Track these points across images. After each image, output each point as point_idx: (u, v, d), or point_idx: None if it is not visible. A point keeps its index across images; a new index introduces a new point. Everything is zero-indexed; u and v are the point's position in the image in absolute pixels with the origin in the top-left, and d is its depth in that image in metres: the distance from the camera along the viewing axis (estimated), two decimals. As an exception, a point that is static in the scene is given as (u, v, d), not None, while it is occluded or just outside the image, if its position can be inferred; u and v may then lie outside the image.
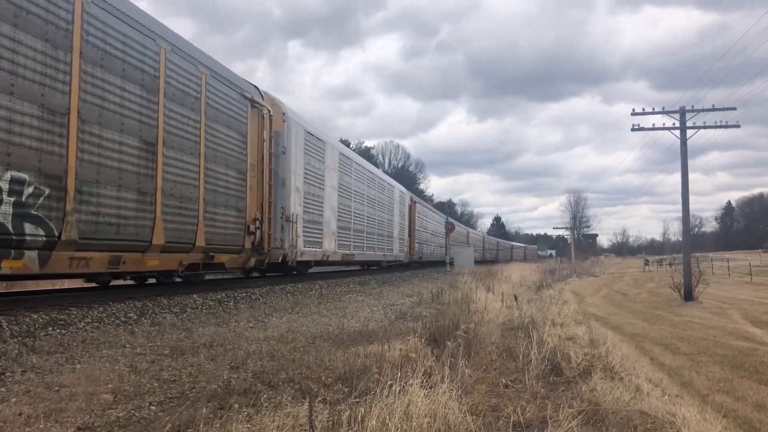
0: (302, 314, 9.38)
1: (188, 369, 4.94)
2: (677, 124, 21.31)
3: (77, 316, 7.16)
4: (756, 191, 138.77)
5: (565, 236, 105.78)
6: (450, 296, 12.85)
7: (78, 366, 4.93)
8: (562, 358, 6.28)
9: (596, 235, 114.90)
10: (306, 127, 15.16)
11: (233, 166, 11.29)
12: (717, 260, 44.36)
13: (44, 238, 6.78)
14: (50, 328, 6.46)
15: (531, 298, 15.29)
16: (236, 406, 3.79)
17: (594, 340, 8.04)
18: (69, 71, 7.11)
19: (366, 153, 71.20)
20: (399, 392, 3.87)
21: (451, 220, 43.18)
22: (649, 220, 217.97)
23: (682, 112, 21.20)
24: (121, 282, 10.83)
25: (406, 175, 76.60)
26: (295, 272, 16.07)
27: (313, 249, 15.61)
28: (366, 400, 3.86)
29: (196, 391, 4.27)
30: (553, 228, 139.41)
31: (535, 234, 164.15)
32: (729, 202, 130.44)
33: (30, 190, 6.57)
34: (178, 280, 11.15)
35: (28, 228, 6.55)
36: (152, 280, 11.21)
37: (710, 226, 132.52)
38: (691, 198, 34.67)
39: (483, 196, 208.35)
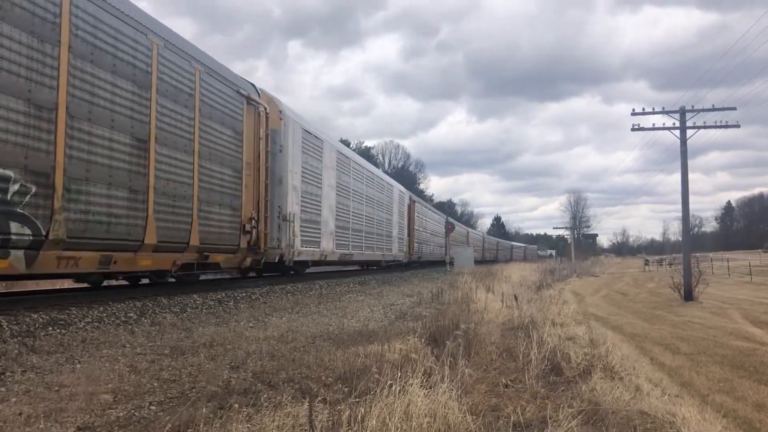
0: (302, 314, 9.38)
1: (188, 369, 4.94)
2: (677, 124, 21.32)
3: (77, 316, 7.16)
4: (756, 191, 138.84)
5: (565, 236, 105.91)
6: (450, 296, 12.85)
7: (78, 366, 4.93)
8: (562, 358, 6.28)
9: (596, 235, 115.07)
10: (303, 125, 15.04)
11: (228, 164, 11.14)
12: (717, 260, 44.36)
13: (31, 237, 6.60)
14: (50, 328, 6.46)
15: (531, 298, 15.30)
16: (236, 405, 3.79)
17: (594, 340, 8.04)
18: (57, 66, 6.92)
19: (366, 153, 71.21)
20: (399, 392, 3.87)
21: (450, 219, 43.17)
22: (649, 220, 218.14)
23: (682, 112, 21.21)
24: (114, 282, 10.73)
25: (406, 175, 76.60)
26: (292, 272, 15.94)
27: (311, 249, 15.48)
28: (366, 399, 3.86)
29: (196, 390, 4.27)
30: (553, 228, 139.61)
31: (535, 234, 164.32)
32: (729, 202, 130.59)
33: (15, 187, 6.41)
34: (171, 280, 11.01)
35: (14, 227, 6.40)
36: (147, 281, 11.08)
37: (710, 226, 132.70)
38: (691, 198, 34.69)
39: (483, 196, 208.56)
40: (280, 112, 13.50)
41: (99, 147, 7.65)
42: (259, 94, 12.77)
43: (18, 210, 6.46)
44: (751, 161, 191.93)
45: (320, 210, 16.27)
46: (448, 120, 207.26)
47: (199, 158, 10.05)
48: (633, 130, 22.29)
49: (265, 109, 12.72)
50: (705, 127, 21.35)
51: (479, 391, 4.79)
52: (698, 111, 21.17)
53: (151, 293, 9.65)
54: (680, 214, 23.15)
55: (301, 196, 14.63)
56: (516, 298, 12.13)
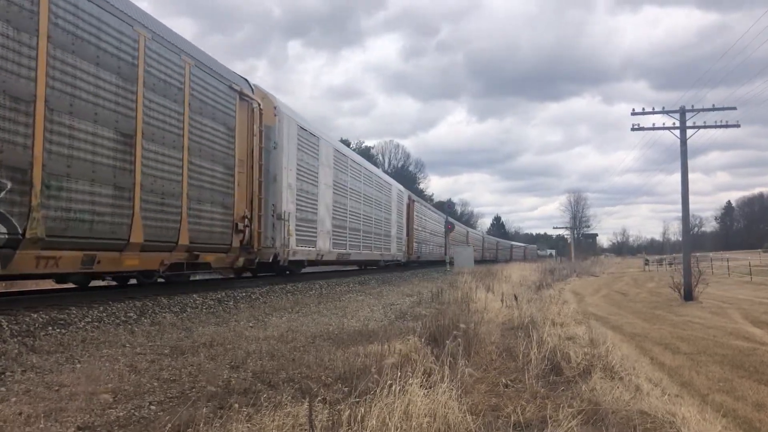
0: (302, 314, 9.38)
1: (188, 368, 4.94)
2: (677, 124, 21.33)
3: (77, 316, 7.16)
4: (756, 191, 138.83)
5: (565, 236, 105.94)
6: (450, 296, 12.85)
7: (78, 365, 4.93)
8: (562, 357, 6.28)
9: (596, 234, 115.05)
10: (299, 122, 14.75)
11: (220, 160, 10.83)
12: (717, 260, 44.37)
13: (6, 236, 6.29)
14: (50, 328, 6.46)
15: (531, 297, 15.29)
16: (236, 405, 3.79)
17: (594, 339, 8.04)
18: (35, 56, 6.59)
19: (366, 153, 71.20)
20: (399, 392, 3.87)
21: (450, 219, 43.18)
22: (649, 220, 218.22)
23: (682, 112, 21.21)
24: (101, 283, 10.43)
25: (406, 175, 76.60)
26: (287, 272, 15.68)
27: (307, 248, 15.23)
28: (366, 399, 3.86)
29: (196, 390, 4.27)
30: (553, 228, 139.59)
31: (534, 234, 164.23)
32: (729, 202, 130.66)
33: None
34: (160, 280, 10.71)
35: None
36: (135, 282, 10.75)
37: (710, 226, 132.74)
38: (691, 198, 34.69)
39: (483, 195, 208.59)
40: (275, 108, 13.20)
41: (81, 142, 7.33)
42: (252, 90, 12.50)
43: None
44: (751, 161, 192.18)
45: (316, 208, 16.02)
46: (448, 120, 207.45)
47: (189, 154, 9.75)
48: (633, 129, 22.31)
49: (259, 104, 12.43)
50: (705, 127, 21.36)
51: (479, 391, 4.79)
52: (698, 111, 21.18)
53: (151, 293, 9.65)
54: (680, 214, 23.18)
55: (297, 195, 14.37)
56: (516, 298, 12.13)
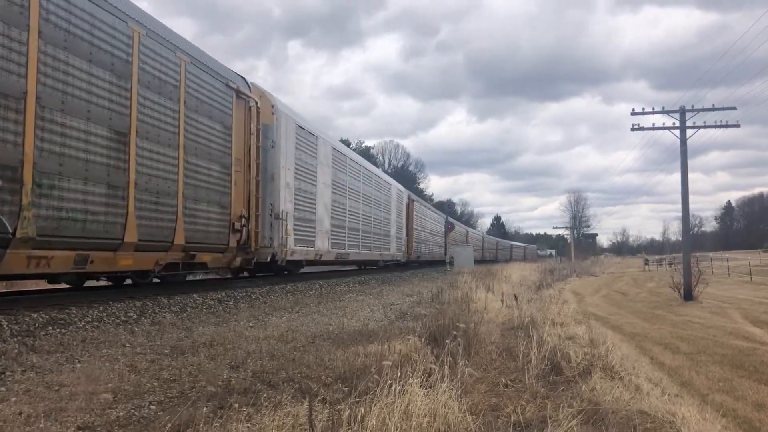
0: (302, 313, 9.39)
1: (188, 368, 4.94)
2: (677, 124, 21.33)
3: (77, 316, 7.16)
4: (756, 191, 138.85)
5: (565, 236, 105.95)
6: (450, 296, 12.85)
7: (78, 365, 4.93)
8: (562, 357, 6.28)
9: (596, 234, 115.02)
10: (297, 121, 14.62)
11: (216, 159, 10.68)
12: (717, 260, 44.36)
13: None
14: (50, 328, 6.46)
15: (531, 297, 15.29)
16: (236, 405, 3.79)
17: (594, 339, 8.04)
18: (25, 52, 6.46)
19: (366, 152, 71.19)
20: (399, 392, 3.87)
21: (450, 219, 43.19)
22: (649, 220, 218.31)
23: (682, 112, 21.21)
24: (95, 283, 10.31)
25: (406, 175, 76.60)
26: (285, 272, 15.47)
27: (305, 248, 15.06)
28: (366, 399, 3.86)
29: (196, 390, 4.27)
30: (553, 228, 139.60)
31: (534, 234, 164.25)
32: (729, 202, 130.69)
33: None
34: (156, 281, 10.58)
35: None
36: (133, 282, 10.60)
37: (710, 226, 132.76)
38: (691, 198, 34.70)
39: (483, 195, 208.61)
40: (272, 106, 13.09)
41: (74, 139, 7.20)
42: (249, 88, 12.38)
43: None
44: (751, 161, 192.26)
45: (315, 208, 15.91)
46: (448, 120, 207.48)
47: (185, 153, 9.61)
48: (633, 129, 22.31)
49: (257, 103, 12.30)
50: (705, 127, 21.36)
51: (479, 391, 4.79)
52: (698, 111, 21.18)
53: (151, 293, 9.64)
54: (680, 214, 23.18)
55: (295, 194, 14.25)
56: (516, 298, 12.13)
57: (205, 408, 3.75)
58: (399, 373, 4.16)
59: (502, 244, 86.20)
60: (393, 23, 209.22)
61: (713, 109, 21.00)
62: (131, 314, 7.81)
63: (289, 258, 13.89)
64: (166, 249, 9.24)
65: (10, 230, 6.36)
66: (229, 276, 14.42)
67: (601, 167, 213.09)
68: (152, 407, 3.85)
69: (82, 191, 7.37)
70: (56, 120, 6.96)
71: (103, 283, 10.51)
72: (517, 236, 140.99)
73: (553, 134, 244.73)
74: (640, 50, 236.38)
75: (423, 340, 6.38)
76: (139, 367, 4.90)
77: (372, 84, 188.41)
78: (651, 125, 22.04)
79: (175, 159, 9.36)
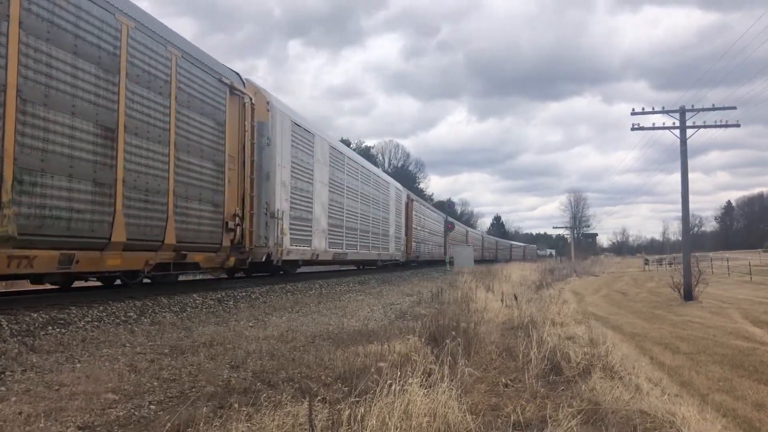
0: (302, 313, 9.39)
1: (188, 368, 4.94)
2: (677, 124, 21.32)
3: (77, 315, 7.16)
4: (756, 191, 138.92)
5: (565, 236, 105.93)
6: (450, 296, 12.86)
7: (78, 365, 4.93)
8: (562, 357, 6.28)
9: (596, 234, 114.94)
10: (293, 118, 14.40)
11: (209, 156, 10.40)
12: (717, 260, 44.36)
13: None
14: (50, 327, 6.46)
15: (531, 297, 15.29)
16: (236, 405, 3.79)
17: (594, 339, 8.04)
18: (5, 43, 6.21)
19: (366, 152, 71.20)
20: (398, 391, 3.87)
21: (450, 219, 43.18)
22: (649, 220, 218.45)
23: (682, 112, 21.20)
24: (83, 284, 10.05)
25: (406, 175, 76.59)
26: (281, 272, 15.26)
27: (302, 247, 14.82)
28: (366, 399, 3.86)
29: (196, 390, 4.27)
30: (553, 227, 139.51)
31: (534, 233, 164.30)
32: (729, 202, 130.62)
33: None
34: (146, 281, 10.37)
35: None
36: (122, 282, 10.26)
37: (710, 226, 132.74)
38: (691, 197, 34.73)
39: (483, 195, 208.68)
40: (268, 103, 12.84)
41: (58, 135, 6.94)
42: (244, 84, 12.12)
43: None
44: (751, 161, 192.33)
45: (311, 207, 15.70)
46: (448, 120, 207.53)
47: (176, 150, 9.35)
48: (633, 129, 22.30)
49: (251, 99, 12.02)
50: (705, 127, 21.35)
51: (479, 391, 4.79)
52: (698, 110, 21.18)
53: (151, 293, 9.65)
54: (680, 214, 23.19)
55: (291, 192, 14.00)
56: (516, 298, 12.13)
57: (205, 408, 3.75)
58: (399, 373, 4.17)
59: (502, 243, 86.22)
60: (393, 23, 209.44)
61: (713, 108, 21.00)
62: (131, 314, 7.81)
63: (285, 258, 13.71)
64: (156, 249, 9.01)
65: None
66: (223, 276, 14.14)
67: (601, 167, 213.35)
68: (152, 407, 3.85)
69: (67, 188, 7.12)
70: (39, 114, 6.70)
71: (92, 283, 10.27)
72: (517, 236, 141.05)
73: (553, 134, 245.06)
74: (640, 50, 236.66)
75: (423, 339, 6.38)
76: (139, 367, 4.90)
77: (372, 84, 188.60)
78: (651, 125, 22.04)
79: (165, 156, 9.13)
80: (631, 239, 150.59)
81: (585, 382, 5.35)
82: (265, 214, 12.76)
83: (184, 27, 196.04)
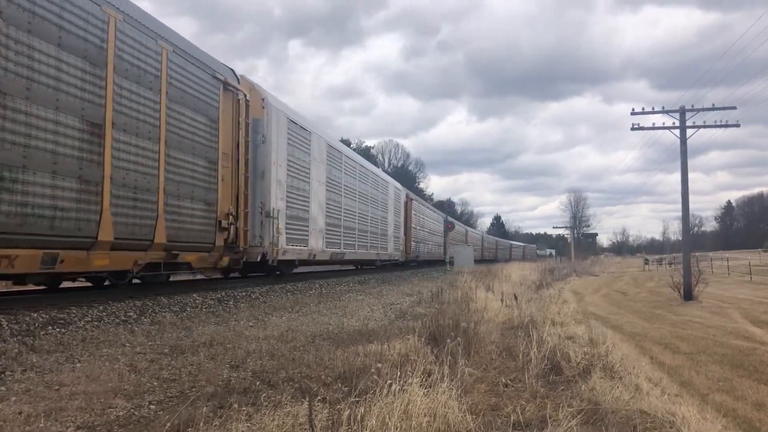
0: (302, 313, 9.39)
1: (188, 368, 4.94)
2: (677, 124, 21.31)
3: (77, 315, 7.16)
4: (756, 191, 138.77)
5: (565, 236, 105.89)
6: (450, 295, 12.85)
7: (78, 365, 4.93)
8: (562, 357, 6.28)
9: (596, 234, 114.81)
10: (289, 115, 14.15)
11: (201, 154, 10.13)
12: (717, 260, 44.36)
13: None
14: (50, 327, 6.46)
15: (531, 297, 15.29)
16: (236, 405, 3.79)
17: (594, 339, 8.04)
18: None
19: (366, 152, 71.19)
20: (398, 391, 3.87)
21: (449, 218, 43.17)
22: (649, 220, 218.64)
23: (682, 112, 21.20)
24: (71, 284, 9.79)
25: (406, 175, 76.60)
26: (277, 272, 14.94)
27: (298, 247, 14.55)
28: (366, 399, 3.86)
29: (195, 390, 4.27)
30: (553, 227, 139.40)
31: (534, 233, 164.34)
32: (729, 202, 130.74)
33: None
34: (136, 281, 10.11)
35: None
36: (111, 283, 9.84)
37: (710, 226, 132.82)
38: (691, 197, 34.75)
39: (483, 195, 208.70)
40: (263, 100, 12.64)
41: (40, 130, 6.68)
42: (238, 80, 11.86)
43: None
44: (751, 161, 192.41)
45: (308, 206, 15.43)
46: (448, 119, 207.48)
47: (167, 147, 9.11)
48: (633, 129, 22.28)
49: (246, 96, 11.78)
50: (705, 127, 21.35)
51: (479, 391, 4.79)
52: (698, 110, 21.17)
53: (151, 293, 9.64)
54: (680, 214, 23.18)
55: (287, 191, 13.74)
56: (516, 298, 12.13)
57: (204, 407, 3.75)
58: (399, 373, 4.17)
59: (502, 243, 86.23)
60: (393, 23, 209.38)
61: (713, 108, 20.99)
62: (131, 314, 7.81)
63: (280, 258, 13.48)
64: (145, 248, 8.77)
65: None
66: (218, 276, 13.78)
67: (601, 167, 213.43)
68: (152, 407, 3.85)
69: (51, 185, 6.86)
70: (19, 108, 6.44)
71: (79, 284, 9.99)
72: (516, 236, 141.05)
73: (553, 134, 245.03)
74: (640, 50, 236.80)
75: (423, 339, 6.38)
76: (138, 367, 4.90)
77: (372, 84, 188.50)
78: (651, 125, 22.04)
79: (155, 153, 8.88)
80: (631, 239, 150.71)
81: (585, 382, 5.35)
82: (260, 213, 12.56)
83: (184, 27, 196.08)
